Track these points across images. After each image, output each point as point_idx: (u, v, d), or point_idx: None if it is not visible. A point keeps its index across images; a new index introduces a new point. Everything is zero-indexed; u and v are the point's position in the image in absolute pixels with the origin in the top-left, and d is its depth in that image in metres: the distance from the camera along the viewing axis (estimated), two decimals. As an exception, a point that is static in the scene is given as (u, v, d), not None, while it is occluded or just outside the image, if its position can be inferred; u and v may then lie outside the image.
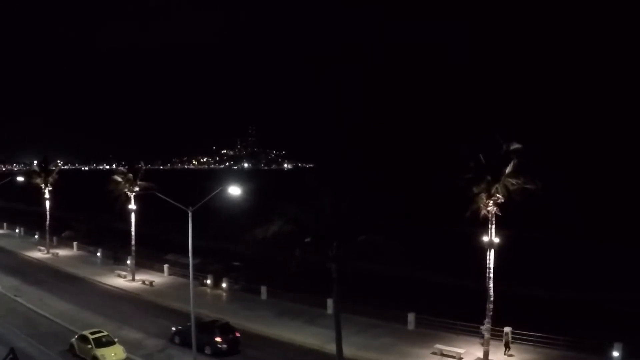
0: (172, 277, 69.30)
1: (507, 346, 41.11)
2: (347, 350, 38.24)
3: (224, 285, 63.14)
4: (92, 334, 41.13)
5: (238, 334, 43.69)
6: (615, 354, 38.49)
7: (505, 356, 40.88)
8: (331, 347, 38.76)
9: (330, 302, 50.07)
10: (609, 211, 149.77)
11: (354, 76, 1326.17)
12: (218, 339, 42.17)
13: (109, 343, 40.53)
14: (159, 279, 67.80)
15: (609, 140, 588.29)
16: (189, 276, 37.05)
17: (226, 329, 43.54)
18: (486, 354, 40.13)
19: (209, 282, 64.03)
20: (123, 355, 40.12)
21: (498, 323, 42.00)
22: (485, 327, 43.38)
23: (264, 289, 59.72)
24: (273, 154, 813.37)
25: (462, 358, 41.07)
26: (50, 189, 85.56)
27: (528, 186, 37.86)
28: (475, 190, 38.89)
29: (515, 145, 38.61)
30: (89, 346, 40.03)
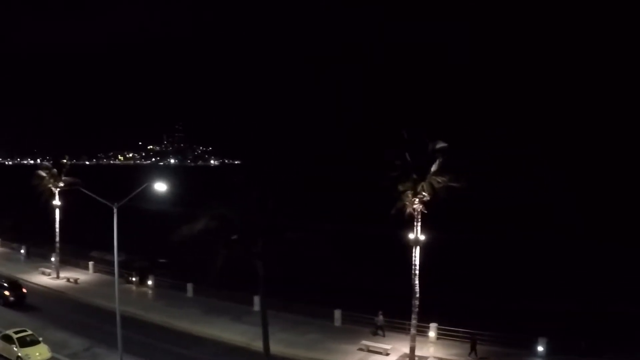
0: (97, 274, 68.07)
1: (473, 348, 40.72)
2: (274, 347, 38.11)
3: (149, 282, 62.20)
4: (16, 333, 40.11)
5: (25, 291, 55.05)
6: (540, 348, 40.17)
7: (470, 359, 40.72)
8: (258, 344, 38.73)
9: (257, 299, 50.06)
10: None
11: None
12: (7, 293, 53.36)
13: (34, 342, 39.62)
14: (84, 276, 66.45)
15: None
16: (114, 273, 36.29)
17: (15, 286, 54.94)
18: (412, 349, 40.70)
19: (134, 279, 63.00)
20: (48, 354, 39.21)
21: (424, 319, 42.82)
22: (380, 318, 44.54)
23: (190, 287, 59.31)
24: (200, 150, 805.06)
25: (389, 354, 41.67)
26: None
27: (453, 184, 38.53)
28: (401, 188, 39.36)
29: (440, 144, 39.30)
30: (13, 346, 39.03)
